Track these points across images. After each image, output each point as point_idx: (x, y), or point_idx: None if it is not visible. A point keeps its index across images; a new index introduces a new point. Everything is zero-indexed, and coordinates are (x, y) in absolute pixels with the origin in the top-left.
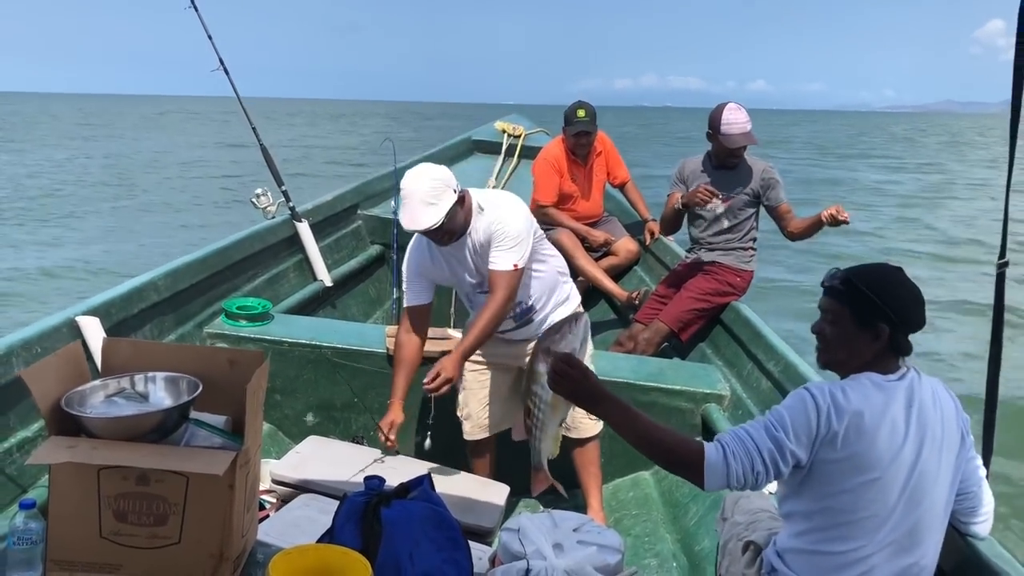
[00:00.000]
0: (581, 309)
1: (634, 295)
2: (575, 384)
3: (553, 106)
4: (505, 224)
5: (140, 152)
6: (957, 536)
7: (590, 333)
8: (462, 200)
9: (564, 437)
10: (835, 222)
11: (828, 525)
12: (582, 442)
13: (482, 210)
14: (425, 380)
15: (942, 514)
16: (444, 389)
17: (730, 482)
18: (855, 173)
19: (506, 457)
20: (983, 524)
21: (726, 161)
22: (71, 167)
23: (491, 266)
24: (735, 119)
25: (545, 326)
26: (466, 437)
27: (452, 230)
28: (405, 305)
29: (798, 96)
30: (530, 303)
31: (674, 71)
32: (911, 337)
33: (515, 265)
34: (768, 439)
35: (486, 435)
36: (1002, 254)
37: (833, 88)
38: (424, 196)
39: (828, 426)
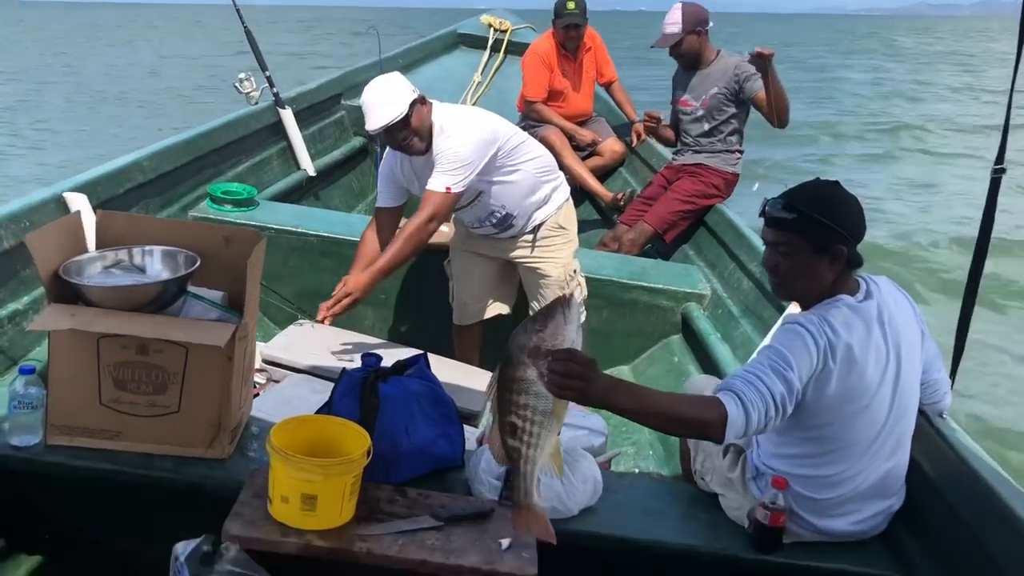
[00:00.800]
0: (568, 200)
1: (619, 196)
2: (587, 383)
3: (528, 10)
4: (454, 147)
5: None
6: (922, 421)
7: (581, 312)
8: (423, 100)
9: None
10: (761, 58)
11: (819, 452)
12: None
13: (443, 131)
14: (327, 303)
15: (915, 415)
16: (345, 305)
17: (748, 430)
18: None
19: (493, 344)
20: (946, 400)
21: (689, 64)
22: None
23: (428, 184)
24: (665, 20)
25: (529, 223)
26: (455, 322)
27: (417, 131)
28: (376, 205)
29: None
30: (505, 211)
31: None
32: None
33: (447, 188)
34: (779, 381)
35: (473, 321)
36: (999, 159)
37: None
38: (381, 97)
39: (824, 363)
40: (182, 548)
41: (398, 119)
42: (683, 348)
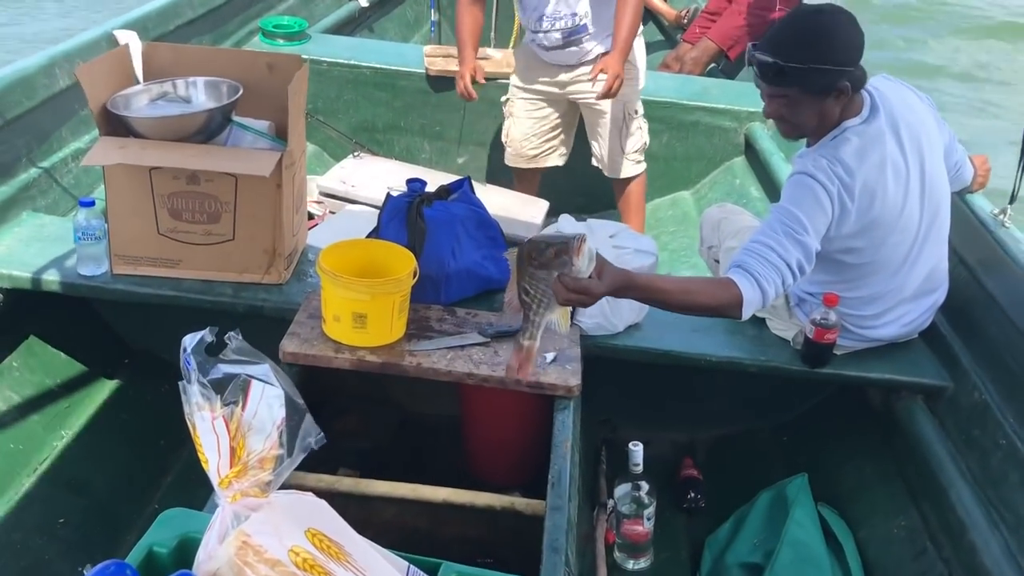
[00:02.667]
0: (640, 35)
1: (683, 13)
2: (590, 297)
3: None
4: None
5: None
6: (977, 225)
7: (594, 251)
8: None
9: (613, 184)
10: None
11: (855, 276)
12: (625, 183)
13: None
14: (599, 90)
15: (947, 205)
16: (616, 86)
17: (767, 303)
18: None
19: (548, 187)
20: (966, 170)
21: None
22: None
23: None
24: None
25: (597, 46)
26: (507, 163)
27: None
28: None
29: None
30: (581, 19)
31: None
32: None
33: None
34: (793, 247)
35: (526, 166)
36: None
37: None
38: None
39: (842, 207)
40: (189, 340)
41: None
42: (745, 170)
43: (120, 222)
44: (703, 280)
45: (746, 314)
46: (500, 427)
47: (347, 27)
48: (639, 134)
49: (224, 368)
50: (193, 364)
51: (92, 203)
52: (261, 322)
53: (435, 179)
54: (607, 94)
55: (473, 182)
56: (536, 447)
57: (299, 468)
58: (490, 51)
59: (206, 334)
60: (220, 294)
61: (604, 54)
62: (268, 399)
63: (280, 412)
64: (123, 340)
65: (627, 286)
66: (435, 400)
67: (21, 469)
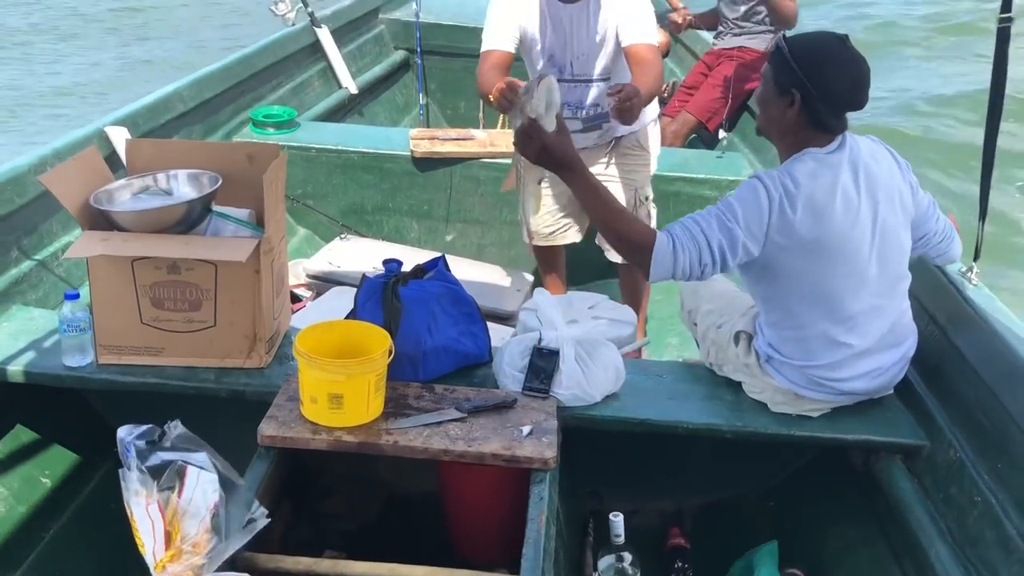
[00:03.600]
0: (657, 122)
1: (663, 88)
2: (538, 150)
3: None
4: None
5: None
6: (946, 283)
7: (556, 95)
8: None
9: (617, 264)
10: None
11: (807, 306)
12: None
13: None
14: (619, 100)
15: (905, 261)
16: (635, 103)
17: (675, 272)
18: None
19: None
20: (953, 247)
21: None
22: None
23: (633, 39)
24: None
25: (614, 131)
26: (525, 241)
27: None
28: (485, 48)
29: None
30: (604, 109)
31: None
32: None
33: (659, 43)
34: (719, 231)
35: (544, 243)
36: (1005, 7)
37: None
38: None
39: (782, 214)
40: (126, 431)
41: None
42: None
43: (104, 313)
44: (634, 217)
45: (654, 268)
46: (480, 503)
47: (338, 113)
48: (644, 213)
49: (163, 455)
50: (132, 452)
51: (77, 296)
52: (244, 405)
53: (421, 258)
54: (623, 107)
55: (456, 258)
56: (519, 523)
57: (281, 551)
58: (475, 132)
59: (147, 429)
60: (203, 380)
61: (620, 138)
62: (203, 484)
63: (214, 497)
64: (110, 426)
65: (569, 166)
66: (421, 477)
67: (8, 563)
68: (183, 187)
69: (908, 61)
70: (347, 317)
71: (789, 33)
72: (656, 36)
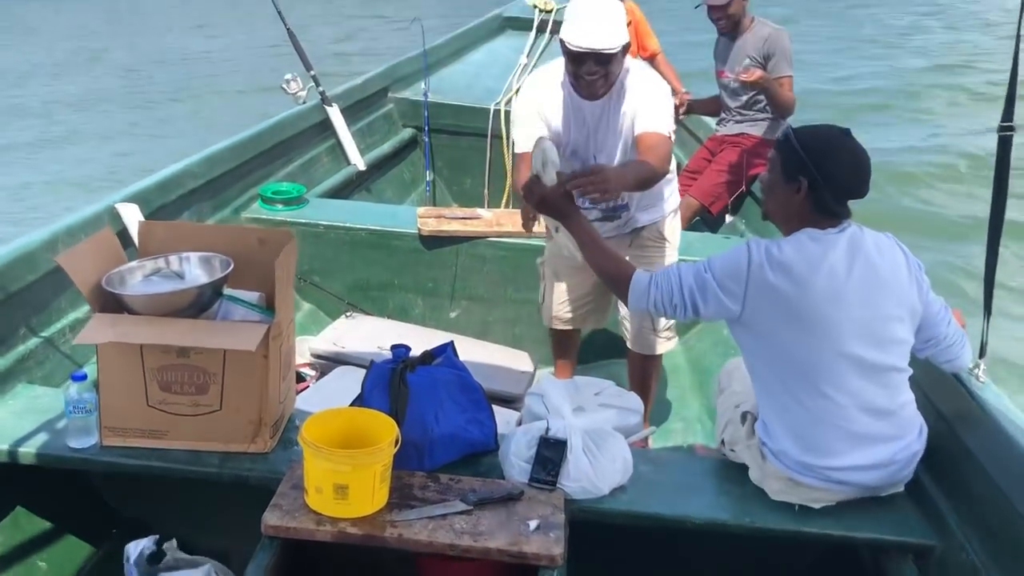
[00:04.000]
0: (677, 213)
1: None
2: (538, 200)
3: None
4: (661, 92)
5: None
6: (953, 380)
7: (554, 156)
8: (627, 47)
9: (629, 350)
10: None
11: (788, 379)
12: (648, 359)
13: (640, 72)
14: (578, 179)
15: (900, 353)
16: (591, 191)
17: (649, 305)
18: None
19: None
20: (963, 355)
21: (730, 27)
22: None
23: (643, 127)
24: None
25: (634, 222)
26: (544, 324)
27: (615, 72)
28: (517, 150)
29: None
30: (624, 200)
31: None
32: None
33: (670, 134)
34: (693, 278)
35: (562, 328)
36: (1006, 116)
37: None
38: (604, 15)
39: (761, 276)
40: (133, 548)
41: (614, 51)
42: None
43: (111, 395)
44: (618, 255)
45: (631, 296)
46: None
47: (345, 189)
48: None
49: None
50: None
51: (84, 377)
52: (247, 491)
53: (425, 337)
54: (580, 182)
55: (461, 338)
56: None
57: None
58: (481, 211)
59: (148, 543)
60: (207, 464)
61: (641, 228)
62: None
63: None
64: (112, 509)
65: (565, 214)
66: None
67: None
68: (195, 270)
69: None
70: (353, 403)
71: (793, 123)
72: (669, 126)
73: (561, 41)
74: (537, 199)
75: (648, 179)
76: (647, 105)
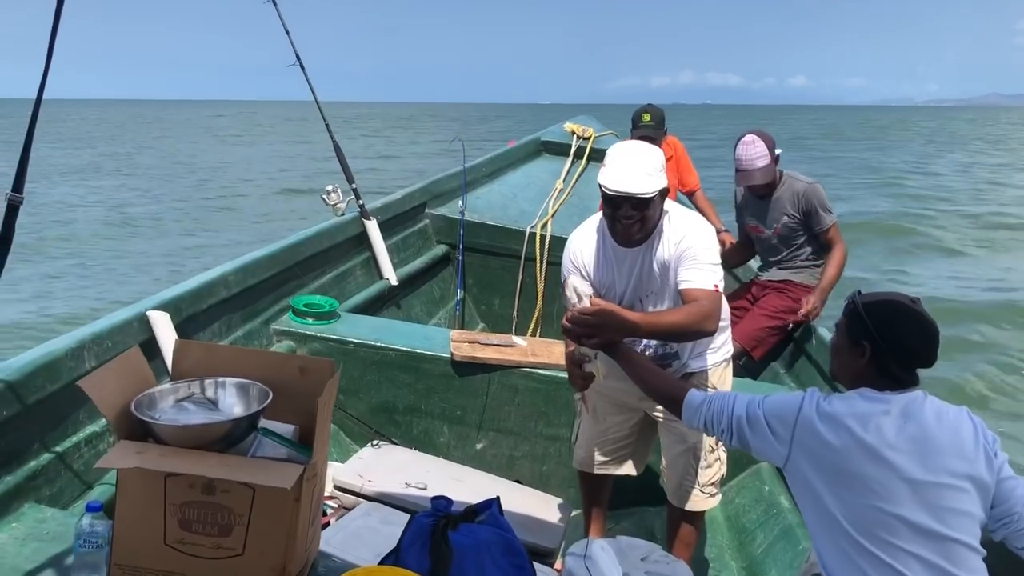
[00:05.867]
0: (729, 363)
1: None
2: (569, 336)
3: (591, 104)
4: (705, 242)
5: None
6: None
7: (583, 287)
8: (665, 192)
9: (669, 504)
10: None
11: (840, 537)
12: (688, 515)
13: (683, 222)
14: (576, 318)
15: (963, 525)
16: (585, 336)
17: (699, 423)
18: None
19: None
20: None
21: (758, 192)
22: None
23: (686, 284)
24: (744, 154)
25: (683, 369)
26: (574, 466)
27: (651, 217)
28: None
29: (839, 91)
30: (674, 349)
31: (712, 67)
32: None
33: (716, 286)
34: (744, 409)
35: (593, 471)
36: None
37: (875, 82)
38: (643, 164)
39: (809, 425)
40: None
41: (650, 195)
42: (773, 476)
43: (126, 529)
44: (667, 374)
45: (684, 413)
46: None
47: (376, 304)
48: (717, 465)
49: None
50: None
51: (100, 507)
52: None
53: (455, 474)
54: (576, 318)
55: (491, 478)
56: None
57: None
58: (516, 338)
59: None
60: None
61: (693, 374)
62: None
63: None
64: None
65: (615, 352)
66: None
67: None
68: (229, 398)
69: None
70: (387, 557)
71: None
72: (713, 279)
73: (600, 185)
74: (570, 337)
75: (683, 331)
76: (689, 257)
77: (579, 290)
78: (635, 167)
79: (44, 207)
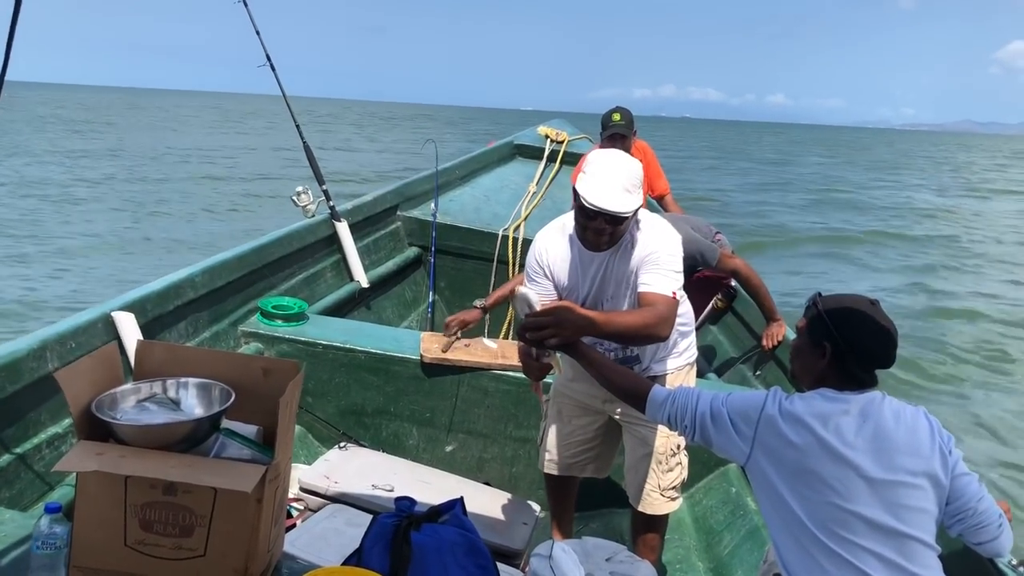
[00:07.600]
0: (693, 366)
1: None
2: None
3: (573, 112)
4: (669, 248)
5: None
6: (992, 570)
7: (531, 297)
8: (638, 209)
9: (632, 509)
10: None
11: (802, 535)
12: (650, 518)
13: (649, 227)
14: (530, 321)
15: (917, 521)
16: (544, 338)
17: (663, 418)
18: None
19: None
20: (1001, 538)
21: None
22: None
23: (645, 288)
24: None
25: (646, 372)
26: (541, 469)
27: (621, 232)
28: None
29: (817, 111)
30: (635, 352)
31: (693, 82)
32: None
33: (673, 293)
34: (708, 406)
35: (559, 473)
36: None
37: (852, 104)
38: (624, 180)
39: (771, 424)
40: None
41: (627, 214)
42: (741, 478)
43: (85, 531)
44: (630, 371)
45: (648, 408)
46: None
47: (346, 306)
48: (679, 470)
49: None
50: None
51: (58, 508)
52: None
53: (422, 476)
54: (528, 324)
55: (458, 479)
56: None
57: None
58: (486, 340)
59: None
60: None
61: (656, 377)
62: None
63: None
64: None
65: (575, 351)
66: None
67: None
68: (191, 398)
69: None
70: (350, 558)
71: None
72: (676, 285)
73: (575, 191)
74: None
75: (636, 333)
76: (652, 263)
77: (529, 299)
78: (615, 182)
79: None
